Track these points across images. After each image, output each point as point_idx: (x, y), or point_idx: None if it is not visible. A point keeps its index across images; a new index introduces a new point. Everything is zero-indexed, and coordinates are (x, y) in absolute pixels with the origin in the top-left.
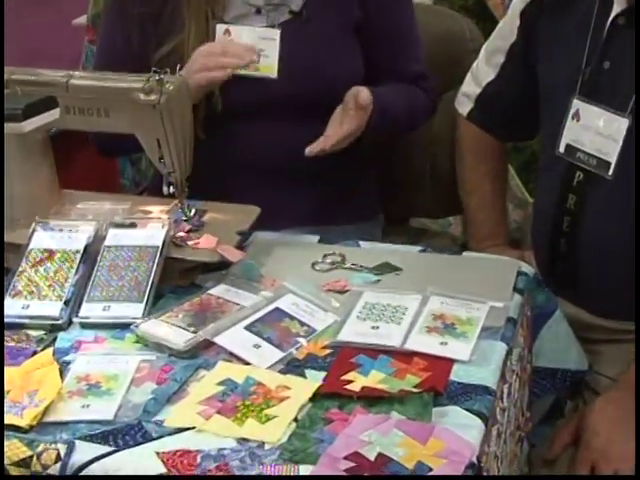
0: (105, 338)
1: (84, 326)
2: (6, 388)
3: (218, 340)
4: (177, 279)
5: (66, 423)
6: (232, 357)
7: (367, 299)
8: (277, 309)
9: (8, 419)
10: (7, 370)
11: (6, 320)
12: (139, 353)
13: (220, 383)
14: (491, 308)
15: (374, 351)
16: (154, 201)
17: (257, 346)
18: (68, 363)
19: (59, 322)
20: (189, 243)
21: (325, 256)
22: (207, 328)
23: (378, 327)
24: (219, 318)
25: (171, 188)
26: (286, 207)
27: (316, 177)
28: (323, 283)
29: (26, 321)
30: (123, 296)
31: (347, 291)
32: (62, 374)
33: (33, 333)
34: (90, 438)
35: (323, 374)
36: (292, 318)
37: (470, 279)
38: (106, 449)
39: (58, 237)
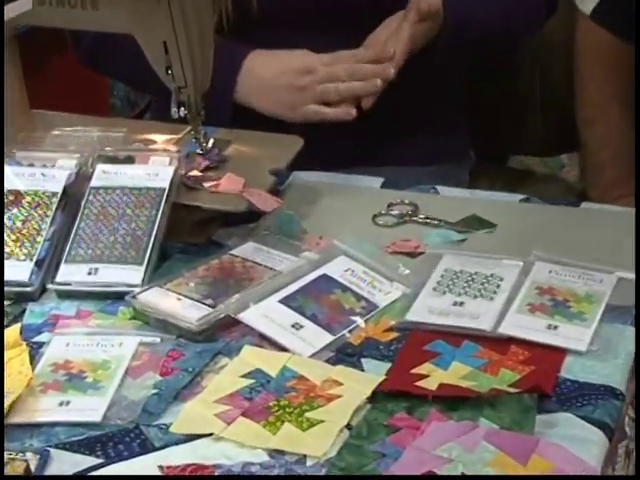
0: (91, 312)
1: (62, 295)
2: None
3: (244, 317)
4: (189, 234)
5: (38, 426)
6: (263, 341)
7: (447, 265)
8: (325, 277)
9: None
10: None
11: None
12: (137, 333)
13: (246, 375)
14: (619, 280)
15: (457, 336)
16: (158, 127)
17: (297, 326)
18: (41, 345)
19: (28, 289)
20: (206, 185)
21: (391, 206)
22: (229, 301)
23: (462, 303)
24: (245, 288)
25: (182, 110)
26: (337, 139)
27: (376, 99)
28: (388, 242)
29: None
30: (116, 255)
31: (421, 254)
32: (33, 360)
33: None
34: (70, 446)
35: (387, 366)
36: (345, 289)
37: (590, 240)
38: (92, 461)
39: (27, 174)
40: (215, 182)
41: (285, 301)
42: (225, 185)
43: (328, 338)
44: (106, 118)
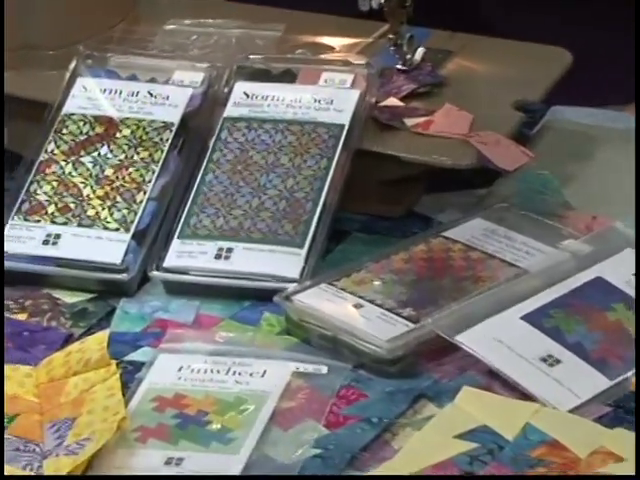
0: (218, 319)
1: (173, 289)
2: (12, 409)
3: (464, 341)
4: (378, 201)
5: None
6: (493, 380)
7: None
8: (600, 281)
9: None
10: (13, 374)
11: (9, 266)
12: (290, 357)
13: (466, 435)
14: None
15: None
16: (337, 24)
17: (552, 360)
18: (138, 367)
19: (121, 277)
20: (409, 123)
21: None
22: (441, 313)
23: None
24: (469, 293)
25: None
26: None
27: None
28: None
29: (50, 269)
30: (261, 230)
31: None
32: (126, 389)
33: (65, 298)
34: None
35: None
36: (633, 304)
37: None
38: None
39: (126, 93)
40: (425, 118)
41: (533, 318)
42: (441, 124)
43: (602, 383)
44: (252, 6)
